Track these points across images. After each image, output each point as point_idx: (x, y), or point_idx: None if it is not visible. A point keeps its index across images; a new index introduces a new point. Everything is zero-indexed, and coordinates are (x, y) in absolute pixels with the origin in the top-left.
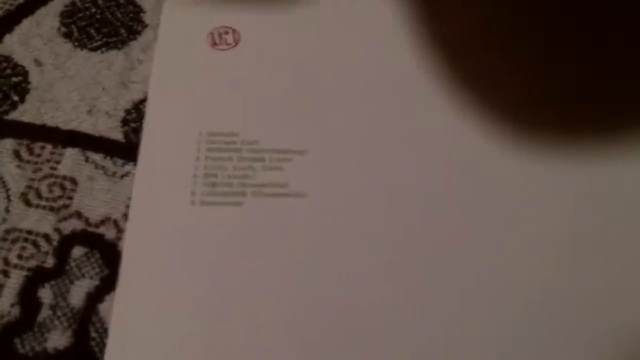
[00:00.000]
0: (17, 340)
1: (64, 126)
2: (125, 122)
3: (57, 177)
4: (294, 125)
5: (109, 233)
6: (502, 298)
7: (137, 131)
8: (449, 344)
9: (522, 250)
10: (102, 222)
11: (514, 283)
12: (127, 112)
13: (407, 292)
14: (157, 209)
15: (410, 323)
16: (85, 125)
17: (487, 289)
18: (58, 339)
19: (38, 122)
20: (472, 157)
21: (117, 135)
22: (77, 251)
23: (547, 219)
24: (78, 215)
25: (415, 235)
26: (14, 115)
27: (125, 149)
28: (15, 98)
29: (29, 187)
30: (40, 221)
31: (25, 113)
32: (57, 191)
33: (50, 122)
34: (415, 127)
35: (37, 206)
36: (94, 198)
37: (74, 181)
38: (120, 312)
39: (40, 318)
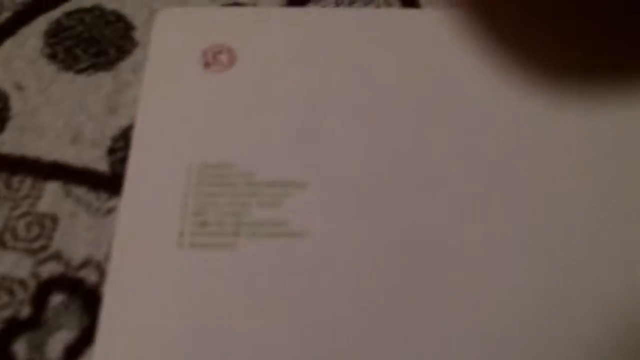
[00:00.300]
0: None
1: (46, 157)
2: (111, 151)
3: (36, 214)
4: (294, 156)
5: (91, 277)
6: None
7: (124, 161)
8: None
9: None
10: (84, 264)
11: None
12: (114, 140)
13: (421, 345)
14: (140, 252)
15: None
16: (69, 156)
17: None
18: None
19: (18, 152)
20: (486, 183)
21: (102, 166)
22: (56, 298)
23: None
24: (58, 257)
25: (431, 281)
26: None
27: (110, 182)
28: None
29: (5, 226)
30: (16, 265)
31: (4, 143)
32: (35, 230)
33: (31, 153)
34: (429, 157)
35: (14, 248)
36: (76, 237)
37: (54, 219)
38: None
39: None
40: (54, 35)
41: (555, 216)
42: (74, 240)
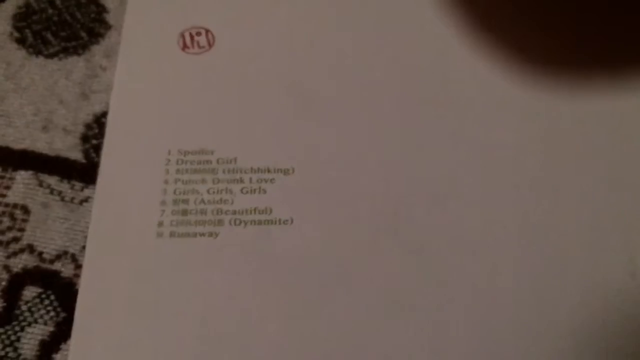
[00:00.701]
0: None
1: (15, 145)
2: (85, 138)
3: (6, 205)
4: (277, 141)
5: (66, 270)
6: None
7: (99, 149)
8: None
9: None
10: (58, 257)
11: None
12: (88, 127)
13: (408, 331)
14: (117, 243)
15: None
16: (40, 144)
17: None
18: None
19: None
20: (475, 167)
21: (76, 154)
22: (29, 292)
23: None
24: (30, 249)
25: (416, 266)
26: None
27: (85, 170)
28: None
29: None
30: None
31: None
32: (6, 222)
33: None
34: (417, 140)
35: None
36: (49, 229)
37: (25, 210)
38: None
39: None
40: (22, 19)
41: (554, 202)
42: (48, 232)
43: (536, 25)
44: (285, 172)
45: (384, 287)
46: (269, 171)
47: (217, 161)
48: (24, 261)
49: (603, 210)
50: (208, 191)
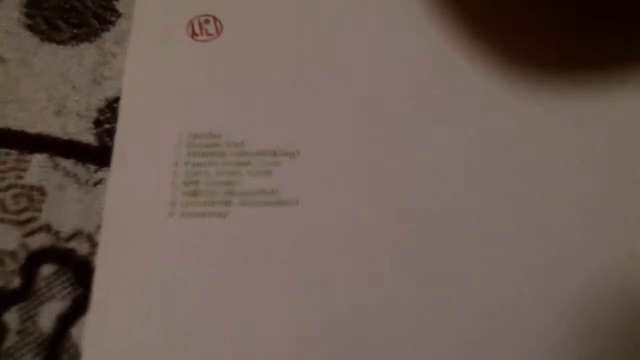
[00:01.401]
0: None
1: (30, 129)
2: (97, 123)
3: (23, 187)
4: (283, 125)
5: (82, 248)
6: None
7: (111, 133)
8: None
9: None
10: (74, 235)
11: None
12: (100, 111)
13: (412, 305)
14: (131, 222)
15: (413, 338)
16: (54, 128)
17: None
18: None
19: (1, 125)
20: (477, 161)
21: (89, 138)
22: (46, 269)
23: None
24: (47, 228)
25: (419, 245)
26: None
27: (98, 154)
28: None
29: None
30: (5, 236)
31: None
32: (23, 202)
33: (14, 126)
34: (421, 124)
35: (2, 220)
36: (65, 209)
37: (42, 191)
38: (93, 337)
39: (6, 345)
40: (32, 6)
41: (554, 190)
42: (63, 212)
43: (526, 26)
44: (291, 155)
45: (389, 265)
46: (274, 154)
47: (226, 144)
48: (41, 240)
49: (602, 200)
50: (217, 173)
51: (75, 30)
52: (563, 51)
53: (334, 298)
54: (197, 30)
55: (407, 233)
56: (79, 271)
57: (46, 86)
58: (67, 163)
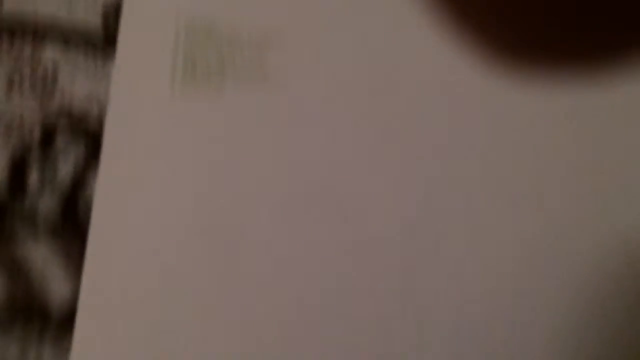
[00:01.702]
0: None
1: (42, 12)
2: (105, 12)
3: (39, 60)
4: (275, 7)
5: (93, 112)
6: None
7: (117, 19)
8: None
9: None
10: (86, 106)
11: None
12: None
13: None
14: (135, 102)
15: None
16: (62, 14)
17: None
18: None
19: (16, 9)
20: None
21: (96, 21)
22: (62, 137)
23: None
24: (62, 93)
25: (407, 133)
26: None
27: (106, 39)
28: None
29: (13, 69)
30: (24, 104)
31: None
32: (39, 85)
33: (29, 10)
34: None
35: (20, 85)
36: (77, 87)
37: (56, 65)
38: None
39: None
40: None
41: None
42: (77, 82)
43: (518, 21)
44: (285, 39)
45: (383, 155)
46: (269, 39)
47: (221, 28)
48: (58, 103)
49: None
50: (212, 55)
51: None
52: (556, 45)
53: (326, 187)
54: None
55: (401, 124)
56: (90, 142)
57: None
58: (78, 42)
